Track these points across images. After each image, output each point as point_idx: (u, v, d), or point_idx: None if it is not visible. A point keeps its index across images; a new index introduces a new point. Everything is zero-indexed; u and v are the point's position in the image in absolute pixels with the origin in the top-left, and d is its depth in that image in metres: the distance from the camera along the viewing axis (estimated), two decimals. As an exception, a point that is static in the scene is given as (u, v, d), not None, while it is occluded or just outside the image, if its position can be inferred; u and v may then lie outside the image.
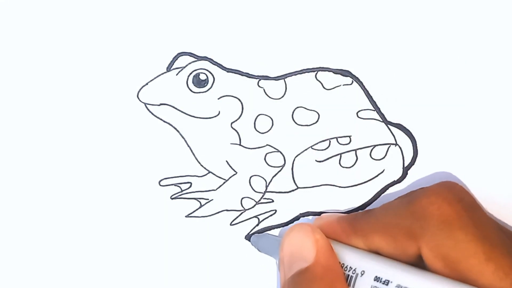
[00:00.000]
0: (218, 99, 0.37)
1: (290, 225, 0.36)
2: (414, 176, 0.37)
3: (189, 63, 0.37)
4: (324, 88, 0.37)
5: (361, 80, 0.37)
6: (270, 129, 0.37)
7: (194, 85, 0.37)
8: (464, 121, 0.36)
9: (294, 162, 0.37)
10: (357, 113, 0.37)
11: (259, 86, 0.37)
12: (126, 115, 0.37)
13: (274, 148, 0.37)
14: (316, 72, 0.37)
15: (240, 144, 0.37)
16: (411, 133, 0.37)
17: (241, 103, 0.37)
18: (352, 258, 0.31)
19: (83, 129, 0.37)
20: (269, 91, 0.37)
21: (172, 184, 0.37)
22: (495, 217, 0.35)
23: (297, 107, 0.37)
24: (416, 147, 0.37)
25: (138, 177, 0.37)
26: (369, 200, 0.37)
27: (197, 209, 0.37)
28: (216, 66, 0.37)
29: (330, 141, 0.37)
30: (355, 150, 0.37)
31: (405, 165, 0.37)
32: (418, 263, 0.30)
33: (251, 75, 0.37)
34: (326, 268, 0.31)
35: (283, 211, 0.37)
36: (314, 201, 0.37)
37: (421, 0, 0.37)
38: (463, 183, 0.36)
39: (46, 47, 0.37)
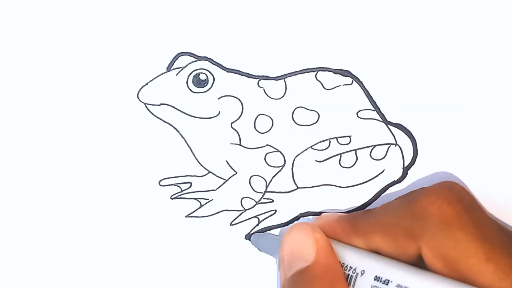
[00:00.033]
0: (218, 99, 0.37)
1: (290, 225, 0.36)
2: (414, 176, 0.37)
3: (189, 63, 0.37)
4: (324, 88, 0.37)
5: (361, 80, 0.37)
6: (270, 129, 0.37)
7: (194, 85, 0.37)
8: (464, 121, 0.36)
9: (294, 162, 0.37)
10: (357, 113, 0.37)
11: (259, 86, 0.37)
12: (126, 115, 0.37)
13: (274, 148, 0.37)
14: (316, 72, 0.37)
15: (240, 144, 0.37)
16: (411, 133, 0.37)
17: (241, 103, 0.37)
18: (352, 258, 0.31)
19: (83, 129, 0.37)
20: (269, 91, 0.37)
21: (172, 184, 0.37)
22: (495, 217, 0.34)
23: (297, 107, 0.37)
24: (416, 147, 0.37)
25: (138, 177, 0.37)
26: (369, 200, 0.37)
27: (197, 209, 0.37)
28: (216, 66, 0.37)
29: (330, 141, 0.37)
30: (355, 150, 0.37)
31: (405, 165, 0.37)
32: (418, 263, 0.30)
33: (251, 75, 0.37)
34: (326, 267, 0.31)
35: (283, 211, 0.37)
36: (314, 201, 0.37)
37: (421, 0, 0.37)
38: (463, 183, 0.36)
39: (46, 47, 0.37)
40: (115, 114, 0.37)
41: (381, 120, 0.37)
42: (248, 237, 0.37)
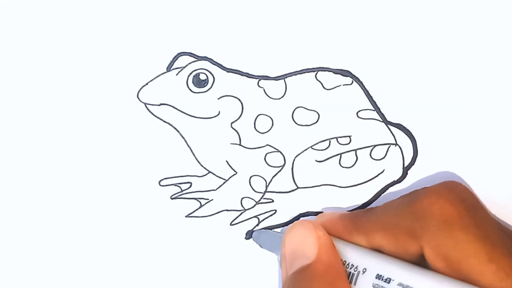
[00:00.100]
0: (218, 99, 0.37)
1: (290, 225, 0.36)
2: (414, 176, 0.36)
3: (189, 63, 0.37)
4: (324, 88, 0.37)
5: (361, 80, 0.37)
6: (270, 129, 0.37)
7: (194, 85, 0.37)
8: (464, 121, 0.36)
9: (294, 162, 0.37)
10: (357, 113, 0.37)
11: (259, 86, 0.37)
12: (126, 115, 0.37)
13: (274, 148, 0.37)
14: (316, 72, 0.37)
15: (240, 144, 0.37)
16: (411, 133, 0.36)
17: (241, 103, 0.37)
18: (354, 256, 0.31)
19: (83, 129, 0.37)
20: (269, 91, 0.37)
21: (172, 184, 0.37)
22: (496, 217, 0.34)
23: (297, 107, 0.37)
24: (416, 147, 0.36)
25: (138, 177, 0.37)
26: (369, 200, 0.37)
27: (197, 209, 0.37)
28: (216, 66, 0.37)
29: (330, 141, 0.37)
30: (355, 150, 0.37)
31: (405, 165, 0.37)
32: (420, 262, 0.30)
33: (251, 75, 0.37)
34: (327, 265, 0.31)
35: (283, 211, 0.37)
36: (314, 201, 0.37)
37: (421, 0, 0.36)
38: (466, 183, 0.36)
39: (46, 47, 0.37)
40: (115, 114, 0.37)
41: (381, 120, 0.37)
42: (248, 237, 0.37)
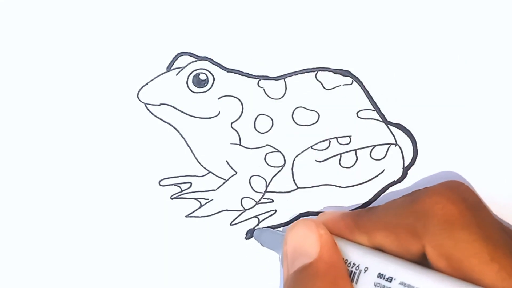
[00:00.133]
0: (218, 99, 0.37)
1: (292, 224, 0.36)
2: (414, 176, 0.36)
3: (189, 63, 0.37)
4: (324, 88, 0.37)
5: (361, 80, 0.37)
6: (270, 129, 0.37)
7: (194, 85, 0.37)
8: (464, 121, 0.36)
9: (294, 162, 0.37)
10: (357, 113, 0.37)
11: (259, 86, 0.37)
12: (126, 115, 0.37)
13: (274, 148, 0.37)
14: (316, 72, 0.37)
15: (240, 144, 0.37)
16: (411, 133, 0.36)
17: (241, 103, 0.37)
18: (355, 255, 0.31)
19: (83, 129, 0.37)
20: (269, 91, 0.37)
21: (172, 184, 0.37)
22: (497, 217, 0.34)
23: (297, 107, 0.37)
24: (416, 147, 0.36)
25: (138, 177, 0.37)
26: (369, 200, 0.37)
27: (197, 209, 0.37)
28: (216, 66, 0.37)
29: (330, 141, 0.37)
30: (355, 150, 0.37)
31: (405, 165, 0.37)
32: (422, 261, 0.30)
33: (251, 75, 0.37)
34: (329, 264, 0.31)
35: (283, 211, 0.37)
36: (314, 201, 0.37)
37: (421, 0, 0.36)
38: (468, 183, 0.35)
39: (46, 47, 0.37)
40: (115, 114, 0.37)
41: (381, 120, 0.36)
42: (248, 237, 0.37)
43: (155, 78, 0.37)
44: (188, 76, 0.37)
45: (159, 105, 0.37)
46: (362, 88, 0.37)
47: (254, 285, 0.37)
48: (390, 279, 0.29)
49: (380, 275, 0.30)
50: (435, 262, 0.29)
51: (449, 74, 0.36)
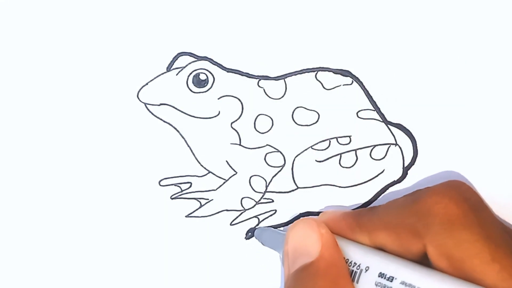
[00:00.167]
0: (218, 99, 0.37)
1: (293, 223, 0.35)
2: (414, 176, 0.36)
3: (189, 63, 0.37)
4: (324, 88, 0.37)
5: (361, 80, 0.36)
6: (270, 129, 0.37)
7: (194, 85, 0.37)
8: (464, 121, 0.36)
9: (294, 162, 0.37)
10: (357, 113, 0.36)
11: (259, 86, 0.37)
12: (126, 115, 0.37)
13: (274, 148, 0.37)
14: (316, 72, 0.37)
15: (240, 144, 0.37)
16: (411, 133, 0.36)
17: (241, 103, 0.37)
18: (356, 254, 0.31)
19: (83, 129, 0.37)
20: (269, 91, 0.37)
21: (172, 184, 0.37)
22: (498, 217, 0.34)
23: (297, 107, 0.37)
24: (416, 147, 0.36)
25: (138, 177, 0.37)
26: (369, 200, 0.36)
27: (197, 209, 0.37)
28: (216, 66, 0.37)
29: (330, 141, 0.36)
30: (355, 150, 0.36)
31: (405, 165, 0.36)
32: (423, 260, 0.30)
33: (251, 75, 0.37)
34: (330, 263, 0.31)
35: (283, 211, 0.37)
36: (314, 201, 0.37)
37: (421, 0, 0.36)
38: (470, 182, 0.35)
39: (46, 47, 0.37)
40: (115, 114, 0.37)
41: (381, 120, 0.36)
42: (248, 237, 0.37)
43: (155, 78, 0.37)
44: (188, 76, 0.37)
45: (159, 105, 0.37)
46: (362, 88, 0.36)
47: (254, 285, 0.36)
48: (391, 279, 0.29)
49: (381, 275, 0.30)
50: (436, 262, 0.29)
51: (449, 74, 0.36)
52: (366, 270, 0.30)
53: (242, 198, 0.37)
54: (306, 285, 0.30)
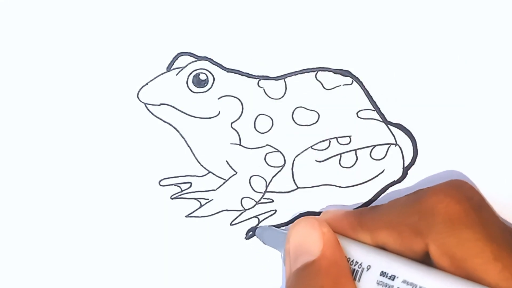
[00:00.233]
0: (218, 99, 0.37)
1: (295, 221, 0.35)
2: (414, 176, 0.36)
3: (189, 63, 0.37)
4: (324, 88, 0.36)
5: (361, 80, 0.36)
6: (270, 129, 0.36)
7: (194, 85, 0.37)
8: (464, 121, 0.36)
9: (294, 162, 0.36)
10: (357, 113, 0.36)
11: (259, 86, 0.36)
12: (126, 115, 0.37)
13: (274, 148, 0.36)
14: (316, 72, 0.36)
15: (240, 144, 0.36)
16: (411, 133, 0.36)
17: (241, 103, 0.36)
18: (358, 253, 0.31)
19: (83, 129, 0.37)
20: (269, 91, 0.36)
21: (172, 184, 0.37)
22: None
23: (297, 107, 0.36)
24: (416, 147, 0.36)
25: (138, 177, 0.37)
26: (369, 200, 0.36)
27: (197, 209, 0.37)
28: (216, 66, 0.37)
29: (330, 141, 0.36)
30: (355, 150, 0.36)
31: (405, 165, 0.36)
32: (424, 260, 0.30)
33: (251, 75, 0.37)
34: (332, 262, 0.31)
35: (283, 211, 0.36)
36: (314, 201, 0.36)
37: (421, 0, 0.36)
38: (472, 182, 0.35)
39: (46, 47, 0.37)
40: (115, 114, 0.37)
41: (381, 120, 0.36)
42: (248, 236, 0.36)
43: (155, 78, 0.37)
44: (188, 76, 0.36)
45: (159, 105, 0.36)
46: (362, 88, 0.36)
47: (254, 286, 0.36)
48: (393, 277, 0.29)
49: (383, 273, 0.29)
50: (438, 261, 0.29)
51: (449, 74, 0.36)
52: (368, 269, 0.30)
53: (242, 198, 0.36)
54: (307, 284, 0.30)
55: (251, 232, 0.36)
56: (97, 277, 0.37)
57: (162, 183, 0.37)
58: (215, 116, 0.36)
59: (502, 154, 0.36)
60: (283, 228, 0.36)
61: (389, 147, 0.36)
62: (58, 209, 0.37)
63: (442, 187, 0.30)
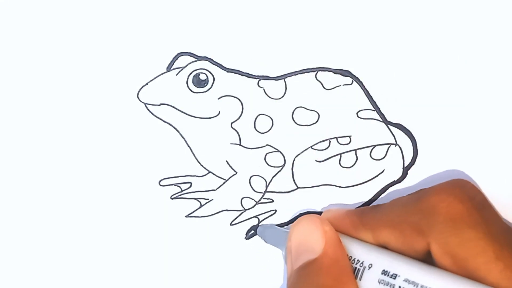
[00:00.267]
0: (218, 99, 0.36)
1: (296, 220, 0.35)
2: (414, 176, 0.36)
3: (189, 63, 0.36)
4: (324, 88, 0.36)
5: (361, 80, 0.36)
6: (270, 129, 0.36)
7: (194, 85, 0.36)
8: (464, 121, 0.36)
9: (294, 162, 0.36)
10: (357, 113, 0.36)
11: (259, 86, 0.36)
12: (126, 115, 0.36)
13: (274, 148, 0.36)
14: (316, 72, 0.36)
15: (240, 144, 0.36)
16: (411, 133, 0.36)
17: (241, 103, 0.36)
18: (360, 251, 0.31)
19: (83, 129, 0.37)
20: (269, 91, 0.36)
21: (172, 184, 0.36)
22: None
23: (297, 107, 0.36)
24: (416, 147, 0.36)
25: (138, 177, 0.36)
26: (369, 200, 0.36)
27: (197, 209, 0.36)
28: (216, 66, 0.36)
29: (330, 141, 0.36)
30: (355, 150, 0.36)
31: (405, 165, 0.36)
32: (426, 259, 0.30)
33: (251, 75, 0.36)
34: (333, 260, 0.31)
35: (283, 211, 0.36)
36: (314, 201, 0.36)
37: (421, 0, 0.36)
38: (474, 181, 0.35)
39: (46, 47, 0.37)
40: (115, 114, 0.36)
41: (381, 120, 0.36)
42: (248, 236, 0.36)
43: (155, 78, 0.36)
44: (188, 76, 0.36)
45: (159, 105, 0.36)
46: (362, 88, 0.36)
47: (254, 286, 0.36)
48: (394, 276, 0.29)
49: (385, 272, 0.29)
50: (440, 260, 0.29)
51: (449, 74, 0.36)
52: (370, 268, 0.30)
53: (242, 198, 0.36)
54: (309, 282, 0.30)
55: (252, 231, 0.36)
56: (97, 277, 0.36)
57: (162, 183, 0.36)
58: (215, 116, 0.36)
59: (502, 154, 0.35)
60: (284, 227, 0.36)
61: (389, 147, 0.36)
62: (58, 209, 0.36)
63: (444, 187, 0.30)
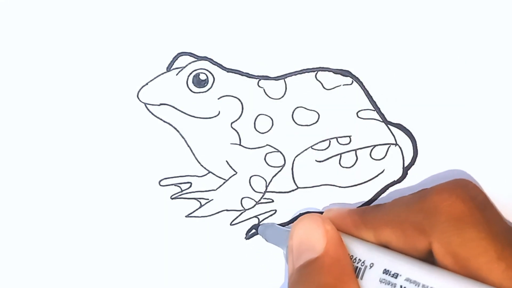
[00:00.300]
0: (218, 99, 0.36)
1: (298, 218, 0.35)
2: (414, 176, 0.36)
3: (189, 63, 0.36)
4: (324, 88, 0.36)
5: (361, 80, 0.36)
6: (270, 129, 0.36)
7: (194, 85, 0.36)
8: (464, 121, 0.35)
9: (294, 162, 0.36)
10: (357, 113, 0.36)
11: (259, 86, 0.36)
12: (126, 115, 0.36)
13: (274, 148, 0.36)
14: (316, 72, 0.36)
15: (240, 144, 0.36)
16: (411, 133, 0.36)
17: (241, 103, 0.36)
18: (361, 250, 0.31)
19: (83, 129, 0.36)
20: (269, 91, 0.36)
21: (172, 184, 0.36)
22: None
23: (297, 107, 0.36)
24: (416, 147, 0.36)
25: (138, 177, 0.36)
26: (369, 200, 0.36)
27: (197, 209, 0.36)
28: (216, 66, 0.36)
29: (330, 141, 0.36)
30: (355, 150, 0.36)
31: (405, 165, 0.36)
32: (428, 258, 0.29)
33: (251, 75, 0.36)
34: (335, 259, 0.30)
35: (283, 211, 0.36)
36: (314, 201, 0.36)
37: (421, 0, 0.36)
38: (476, 181, 0.35)
39: (46, 47, 0.37)
40: (115, 114, 0.36)
41: (381, 120, 0.36)
42: (249, 236, 0.36)
43: (155, 78, 0.36)
44: (188, 76, 0.36)
45: (159, 105, 0.36)
46: (362, 88, 0.36)
47: (255, 285, 0.36)
48: (395, 275, 0.29)
49: (386, 271, 0.29)
50: (442, 259, 0.28)
51: (449, 74, 0.36)
52: (371, 267, 0.30)
53: (242, 198, 0.36)
54: (310, 281, 0.30)
55: (253, 230, 0.36)
56: (97, 277, 0.36)
57: (162, 183, 0.36)
58: (215, 116, 0.36)
59: (502, 154, 0.35)
60: (286, 226, 0.36)
61: (389, 147, 0.36)
62: (58, 209, 0.36)
63: (446, 186, 0.30)
